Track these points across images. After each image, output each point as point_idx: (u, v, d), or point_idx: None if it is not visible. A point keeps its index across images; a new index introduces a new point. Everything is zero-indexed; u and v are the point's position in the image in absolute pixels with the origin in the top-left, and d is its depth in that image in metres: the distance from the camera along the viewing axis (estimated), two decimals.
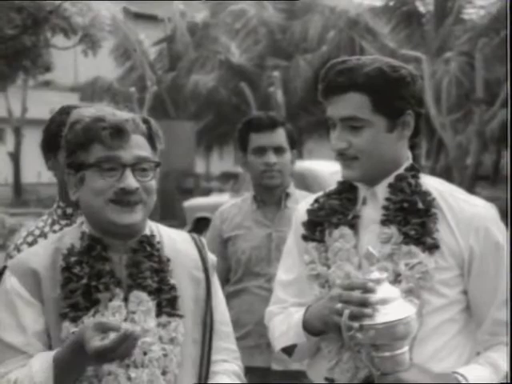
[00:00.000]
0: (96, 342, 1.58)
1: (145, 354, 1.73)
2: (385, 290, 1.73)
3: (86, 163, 1.76)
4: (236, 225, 3.16)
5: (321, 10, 24.82)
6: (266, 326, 2.11)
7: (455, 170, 19.36)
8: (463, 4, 21.90)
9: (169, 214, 15.36)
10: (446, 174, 18.28)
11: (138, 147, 1.77)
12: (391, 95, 1.86)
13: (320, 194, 2.05)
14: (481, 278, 1.87)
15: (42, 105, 29.38)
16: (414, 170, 1.94)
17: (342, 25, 23.84)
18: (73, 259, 1.78)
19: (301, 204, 2.11)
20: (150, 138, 1.81)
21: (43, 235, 2.44)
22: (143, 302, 1.75)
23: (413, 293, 1.81)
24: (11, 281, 1.78)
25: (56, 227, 2.46)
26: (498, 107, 18.65)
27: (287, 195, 3.13)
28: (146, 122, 1.81)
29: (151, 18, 29.56)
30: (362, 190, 1.96)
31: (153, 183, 1.79)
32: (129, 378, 1.71)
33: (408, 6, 22.35)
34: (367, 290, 1.73)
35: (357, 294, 1.74)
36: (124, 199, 1.75)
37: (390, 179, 1.92)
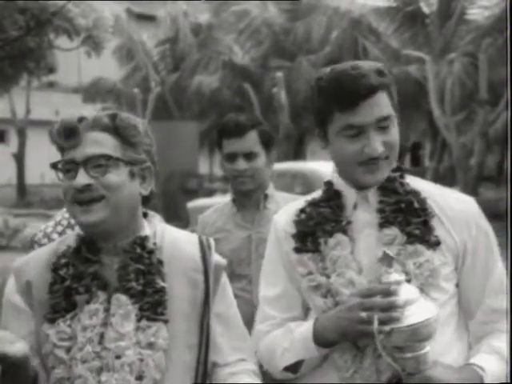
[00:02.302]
0: None
1: (118, 357, 1.69)
2: (406, 292, 1.72)
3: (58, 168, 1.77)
4: (217, 229, 3.14)
5: (324, 10, 24.78)
6: (254, 345, 1.98)
7: (459, 170, 19.32)
8: (467, 5, 21.83)
9: (172, 214, 15.34)
10: (450, 175, 18.24)
11: (93, 144, 1.73)
12: (395, 90, 1.90)
13: (301, 203, 1.99)
14: (473, 270, 1.88)
15: (46, 106, 29.42)
16: (401, 170, 1.93)
17: (346, 25, 23.81)
18: (62, 261, 1.77)
19: (278, 215, 2.04)
20: (118, 132, 1.76)
21: (70, 226, 2.48)
22: (123, 305, 1.72)
23: (423, 291, 1.80)
24: (9, 284, 1.81)
25: None
26: (501, 108, 18.61)
27: (266, 196, 3.11)
28: (113, 117, 1.77)
29: (154, 19, 29.58)
30: (351, 195, 1.92)
31: (113, 178, 1.72)
32: (99, 382, 1.68)
33: (412, 7, 22.30)
34: (391, 293, 1.71)
35: (380, 299, 1.71)
36: (79, 198, 1.72)
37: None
